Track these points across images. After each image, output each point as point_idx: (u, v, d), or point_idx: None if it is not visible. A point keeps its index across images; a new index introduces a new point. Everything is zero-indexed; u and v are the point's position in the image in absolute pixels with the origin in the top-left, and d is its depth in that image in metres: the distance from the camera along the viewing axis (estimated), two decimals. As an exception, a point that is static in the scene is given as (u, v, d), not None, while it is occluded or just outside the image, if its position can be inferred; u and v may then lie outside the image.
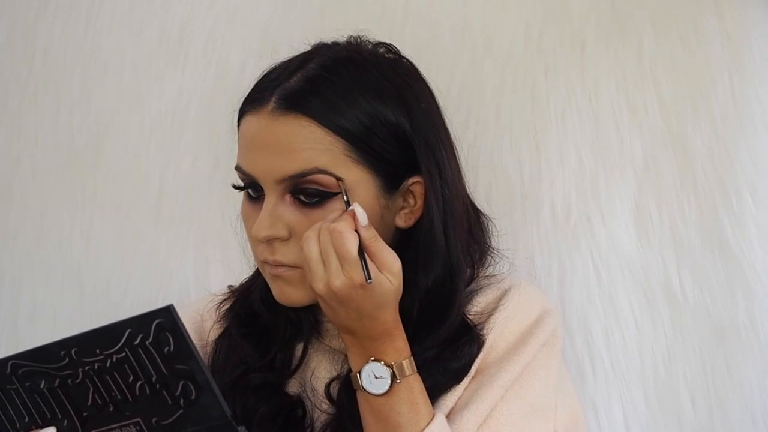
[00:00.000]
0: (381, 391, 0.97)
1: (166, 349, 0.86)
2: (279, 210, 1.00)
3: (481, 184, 1.31)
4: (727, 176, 1.27)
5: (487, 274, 1.13)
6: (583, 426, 1.12)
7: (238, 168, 1.04)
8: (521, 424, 1.03)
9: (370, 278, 0.92)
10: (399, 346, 0.98)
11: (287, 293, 1.03)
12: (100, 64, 1.48)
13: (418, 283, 1.03)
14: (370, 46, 1.09)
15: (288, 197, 1.00)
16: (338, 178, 0.99)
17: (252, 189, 1.03)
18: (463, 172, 1.11)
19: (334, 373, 1.09)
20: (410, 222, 1.06)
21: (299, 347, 1.12)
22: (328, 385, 1.08)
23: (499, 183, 1.33)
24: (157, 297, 1.43)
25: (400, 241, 1.06)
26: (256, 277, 1.15)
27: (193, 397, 0.87)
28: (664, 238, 1.29)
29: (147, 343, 0.86)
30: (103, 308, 1.46)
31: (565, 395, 1.10)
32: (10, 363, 0.90)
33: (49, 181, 1.50)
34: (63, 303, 1.48)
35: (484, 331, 1.06)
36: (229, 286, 1.20)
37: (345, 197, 0.97)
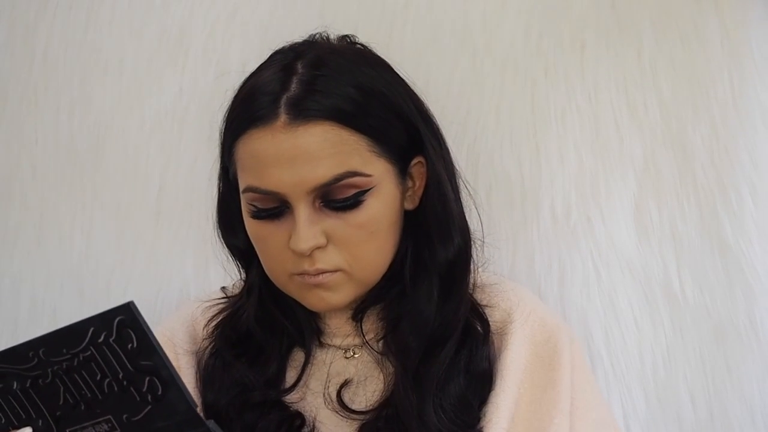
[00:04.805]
0: None
1: (129, 346, 0.86)
2: (314, 218, 0.99)
3: (481, 184, 1.31)
4: (727, 176, 1.27)
5: (482, 278, 1.13)
6: (611, 419, 1.13)
7: (252, 189, 1.01)
8: None
9: None
10: None
11: (327, 299, 1.03)
12: (100, 64, 1.48)
13: (436, 258, 1.04)
14: (335, 40, 1.10)
15: (318, 204, 1.00)
16: (368, 175, 0.99)
17: (266, 210, 1.01)
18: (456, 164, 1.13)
19: (339, 378, 1.09)
20: (415, 203, 1.07)
21: (299, 355, 1.11)
22: (339, 392, 1.07)
23: (499, 183, 1.33)
24: (157, 297, 1.43)
25: (407, 224, 1.07)
26: (247, 296, 1.12)
27: (159, 392, 0.87)
28: (664, 238, 1.29)
29: (111, 340, 0.86)
30: (103, 308, 1.45)
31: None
32: None
33: (49, 181, 1.50)
34: (63, 303, 1.48)
35: (503, 349, 1.06)
36: (222, 288, 1.20)
37: None
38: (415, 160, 1.06)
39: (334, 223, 1.00)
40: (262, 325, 1.10)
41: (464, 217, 1.08)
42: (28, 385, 0.89)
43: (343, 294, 1.03)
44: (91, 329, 0.86)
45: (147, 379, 0.86)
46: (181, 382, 0.87)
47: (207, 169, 1.44)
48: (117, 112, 1.47)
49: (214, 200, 1.16)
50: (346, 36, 1.11)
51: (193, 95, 1.45)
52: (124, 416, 0.88)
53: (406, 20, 1.36)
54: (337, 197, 0.99)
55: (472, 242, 1.08)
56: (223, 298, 1.17)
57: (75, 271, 1.48)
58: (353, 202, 0.99)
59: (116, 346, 0.86)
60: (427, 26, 1.36)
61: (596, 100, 1.31)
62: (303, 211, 0.99)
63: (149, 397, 0.87)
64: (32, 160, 1.51)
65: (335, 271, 1.01)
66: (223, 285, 1.23)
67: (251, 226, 1.05)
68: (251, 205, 1.03)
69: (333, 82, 1.00)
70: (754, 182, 1.26)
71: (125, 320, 0.85)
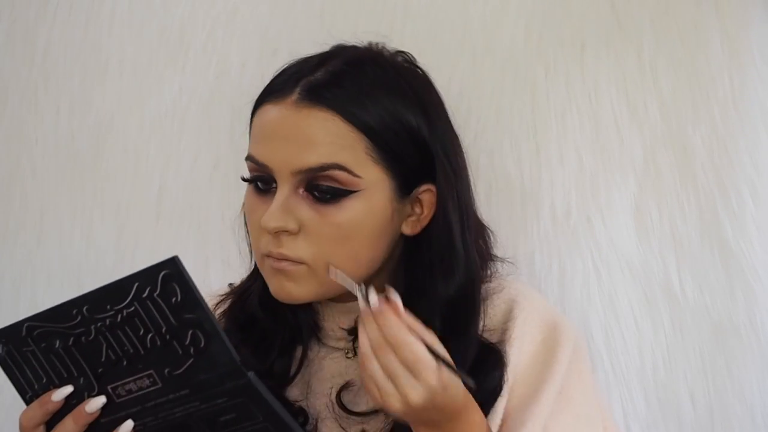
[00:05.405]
0: None
1: (173, 300, 0.86)
2: (291, 202, 0.98)
3: (481, 184, 1.31)
4: (727, 176, 1.27)
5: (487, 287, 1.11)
6: (611, 422, 1.12)
7: (250, 158, 1.02)
8: None
9: (472, 381, 0.87)
10: (477, 420, 0.94)
11: (287, 289, 1.01)
12: (100, 64, 1.48)
13: (437, 292, 1.02)
14: (388, 53, 1.09)
15: (301, 191, 0.99)
16: (357, 175, 0.98)
17: (261, 181, 1.01)
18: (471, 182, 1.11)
19: (341, 379, 1.08)
20: (416, 230, 1.04)
21: (299, 352, 1.11)
22: (339, 394, 1.07)
23: (499, 183, 1.33)
24: (157, 297, 1.43)
25: (406, 248, 1.05)
26: (255, 279, 1.13)
27: (202, 345, 0.87)
28: (664, 238, 1.29)
29: (155, 295, 0.86)
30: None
31: (599, 397, 1.10)
32: (25, 325, 0.90)
33: (49, 181, 1.50)
34: (63, 303, 1.48)
35: (506, 348, 1.05)
36: (230, 285, 1.20)
37: (364, 296, 0.89)
38: (425, 186, 1.03)
39: (311, 214, 0.98)
40: (266, 311, 1.10)
41: (473, 257, 1.05)
42: (70, 343, 0.90)
43: (305, 289, 1.01)
44: (136, 284, 0.87)
45: (190, 332, 0.87)
46: (224, 333, 0.87)
47: (207, 169, 1.44)
48: (117, 112, 1.48)
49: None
50: (402, 52, 1.10)
51: (193, 95, 1.45)
52: (166, 370, 0.89)
53: (406, 20, 1.37)
54: (318, 189, 0.98)
55: (479, 284, 1.05)
56: (231, 293, 1.17)
57: (75, 271, 1.48)
58: (330, 198, 0.98)
59: (160, 301, 0.87)
60: (427, 26, 1.36)
61: (596, 100, 1.31)
62: (282, 192, 0.99)
63: (192, 351, 0.87)
64: (32, 160, 1.51)
65: (299, 262, 0.99)
66: (221, 285, 1.23)
67: (246, 198, 1.05)
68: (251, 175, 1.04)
69: (357, 83, 1.00)
70: (754, 182, 1.26)
71: (170, 274, 0.86)
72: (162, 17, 1.46)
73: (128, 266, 1.46)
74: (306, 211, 0.99)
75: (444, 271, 1.03)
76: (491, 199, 1.31)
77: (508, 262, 1.16)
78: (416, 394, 0.86)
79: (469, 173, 1.10)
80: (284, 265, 1.00)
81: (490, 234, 1.15)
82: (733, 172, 1.27)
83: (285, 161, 0.98)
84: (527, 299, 1.09)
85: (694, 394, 1.27)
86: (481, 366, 1.02)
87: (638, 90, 1.30)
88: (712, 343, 1.27)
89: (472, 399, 0.93)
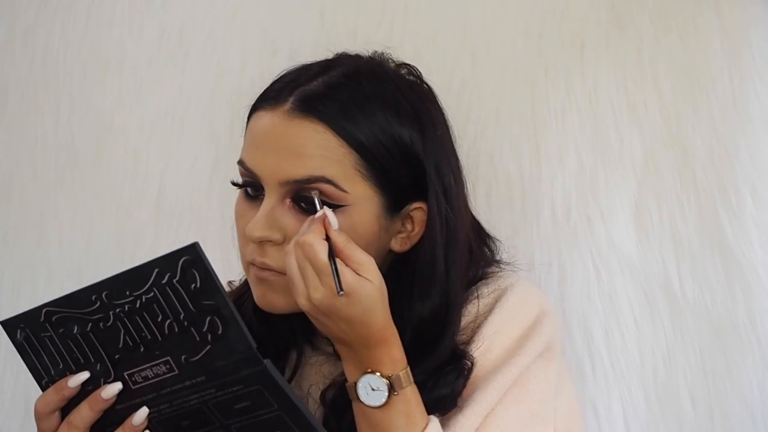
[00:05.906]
0: (378, 404, 0.95)
1: (192, 286, 0.86)
2: (277, 212, 0.98)
3: (481, 184, 1.31)
4: (727, 176, 1.27)
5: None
6: (581, 425, 1.11)
7: (241, 162, 1.01)
8: (521, 431, 1.01)
9: (341, 290, 0.89)
10: (395, 356, 0.95)
11: (269, 298, 1.01)
12: (100, 64, 1.48)
13: (412, 311, 1.01)
14: (393, 65, 1.07)
15: (288, 201, 0.98)
16: (343, 190, 0.97)
17: (251, 188, 1.01)
18: (468, 198, 1.09)
19: (330, 379, 1.08)
20: (405, 247, 1.04)
21: (293, 356, 1.11)
22: (324, 392, 1.06)
23: (499, 183, 1.33)
24: (157, 297, 1.43)
25: (393, 264, 1.04)
26: (249, 285, 1.11)
27: (219, 331, 0.87)
28: (664, 238, 1.29)
29: (174, 281, 0.87)
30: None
31: (564, 395, 1.08)
32: (44, 311, 0.91)
33: (49, 181, 1.50)
34: (63, 303, 1.49)
35: (477, 341, 1.04)
36: (230, 282, 1.20)
37: (318, 206, 0.95)
38: (416, 204, 1.02)
39: (297, 226, 0.97)
40: (260, 316, 1.09)
41: (454, 280, 1.03)
42: (88, 329, 0.90)
43: (286, 300, 0.99)
44: (156, 270, 0.87)
45: (208, 318, 0.87)
46: (241, 320, 0.87)
47: (207, 169, 1.45)
48: (117, 112, 1.48)
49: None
50: (406, 65, 1.08)
51: (193, 95, 1.45)
52: (183, 357, 0.89)
53: (406, 20, 1.37)
54: (305, 201, 0.98)
55: (456, 308, 1.04)
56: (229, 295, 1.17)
57: (75, 271, 1.48)
58: (317, 210, 0.96)
59: (179, 287, 0.87)
60: (427, 26, 1.36)
61: (596, 100, 1.31)
62: (269, 201, 0.98)
63: (209, 337, 0.87)
64: (32, 160, 1.51)
65: (282, 273, 0.98)
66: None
67: (236, 203, 1.05)
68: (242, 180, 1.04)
69: (352, 96, 0.99)
70: (754, 182, 1.26)
71: (190, 260, 0.86)
72: (162, 17, 1.46)
73: (128, 266, 1.45)
74: (291, 221, 0.98)
75: (421, 291, 1.02)
76: (491, 200, 1.31)
77: (519, 268, 1.15)
78: (318, 294, 0.90)
79: (469, 195, 1.09)
80: (267, 274, 0.99)
81: (495, 243, 1.14)
82: (733, 172, 1.27)
83: (273, 171, 0.98)
84: (515, 293, 1.07)
85: (694, 394, 1.27)
86: (439, 372, 1.02)
87: (638, 90, 1.30)
88: (712, 343, 1.27)
89: (396, 335, 0.95)
